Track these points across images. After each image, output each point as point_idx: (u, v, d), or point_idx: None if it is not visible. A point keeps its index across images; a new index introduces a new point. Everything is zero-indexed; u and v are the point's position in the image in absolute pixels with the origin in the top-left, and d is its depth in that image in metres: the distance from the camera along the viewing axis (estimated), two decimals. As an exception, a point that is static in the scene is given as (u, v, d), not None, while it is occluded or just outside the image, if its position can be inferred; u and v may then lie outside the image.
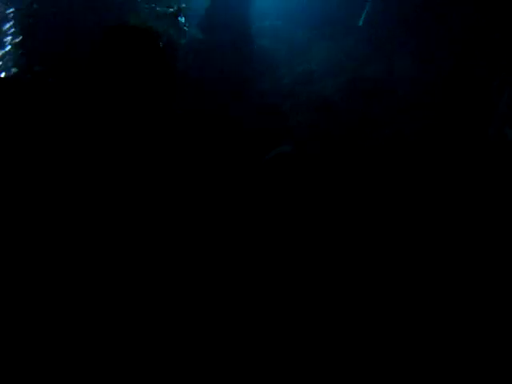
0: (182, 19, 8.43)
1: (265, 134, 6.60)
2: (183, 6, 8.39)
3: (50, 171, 4.33)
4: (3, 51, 8.13)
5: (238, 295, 3.79)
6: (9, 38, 8.24)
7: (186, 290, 3.84)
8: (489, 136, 4.97)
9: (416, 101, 6.71)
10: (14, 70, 7.91)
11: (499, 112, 4.73)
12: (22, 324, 3.46)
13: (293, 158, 5.08)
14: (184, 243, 4.24)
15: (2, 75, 7.81)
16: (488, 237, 4.15)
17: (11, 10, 8.31)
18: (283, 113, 7.55)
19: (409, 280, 3.98)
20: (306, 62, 8.29)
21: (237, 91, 7.93)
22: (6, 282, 3.68)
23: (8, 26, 8.27)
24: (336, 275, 3.99)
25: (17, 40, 8.09)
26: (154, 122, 5.04)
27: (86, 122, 4.68)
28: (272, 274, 4.04)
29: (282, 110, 7.63)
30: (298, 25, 8.94)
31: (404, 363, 3.48)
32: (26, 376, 3.24)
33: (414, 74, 7.17)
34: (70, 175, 4.34)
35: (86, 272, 3.87)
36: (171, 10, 8.41)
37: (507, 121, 4.56)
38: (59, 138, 4.50)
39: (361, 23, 7.79)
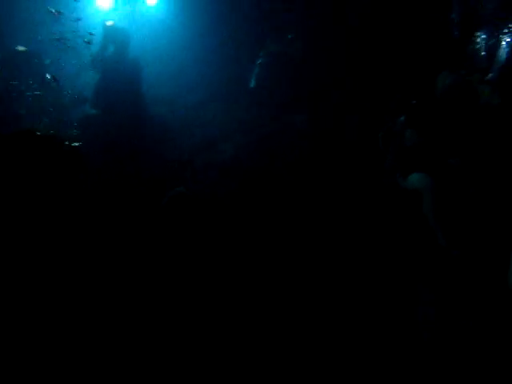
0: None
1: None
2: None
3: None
4: None
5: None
6: None
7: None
8: (383, 185, 5.21)
9: (308, 153, 6.99)
10: None
11: (390, 160, 4.99)
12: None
13: (187, 197, 5.26)
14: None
15: None
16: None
17: None
18: (184, 178, 7.47)
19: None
20: (205, 126, 8.34)
21: (135, 164, 7.81)
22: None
23: None
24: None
25: None
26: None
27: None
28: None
29: (184, 175, 7.53)
30: (194, 89, 9.00)
31: None
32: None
33: (304, 127, 7.45)
34: None
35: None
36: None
37: (397, 168, 4.83)
38: None
39: (252, 85, 8.08)
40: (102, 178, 6.93)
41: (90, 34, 9.04)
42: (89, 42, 9.08)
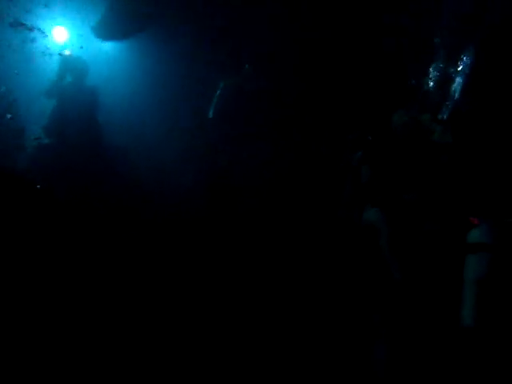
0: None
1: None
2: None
3: None
4: None
5: None
6: None
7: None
8: (338, 218, 5.33)
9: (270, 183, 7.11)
10: None
11: (347, 194, 5.12)
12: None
13: None
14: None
15: None
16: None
17: None
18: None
19: None
20: (163, 157, 8.33)
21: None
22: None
23: None
24: None
25: None
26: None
27: None
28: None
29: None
30: (154, 117, 9.01)
31: None
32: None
33: (266, 157, 7.54)
34: None
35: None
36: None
37: (354, 203, 4.96)
38: None
39: (211, 115, 8.09)
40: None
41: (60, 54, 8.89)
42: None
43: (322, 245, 5.48)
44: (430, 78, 5.81)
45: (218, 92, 8.18)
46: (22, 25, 8.57)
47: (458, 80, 5.65)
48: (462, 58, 5.70)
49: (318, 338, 4.37)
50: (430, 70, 5.82)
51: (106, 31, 8.92)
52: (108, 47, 9.37)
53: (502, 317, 3.34)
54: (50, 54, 9.05)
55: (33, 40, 8.85)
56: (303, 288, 5.06)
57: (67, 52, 8.79)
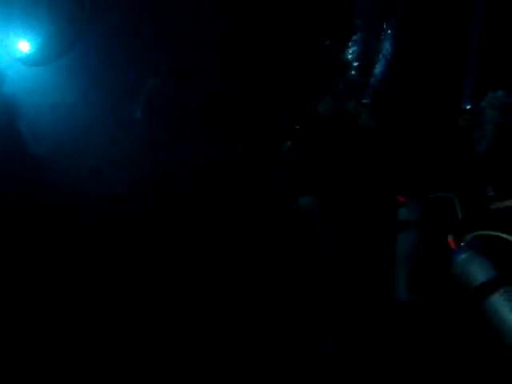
0: None
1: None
2: None
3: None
4: None
5: None
6: None
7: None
8: (275, 208, 5.44)
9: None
10: None
11: (280, 184, 5.24)
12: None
13: None
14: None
15: None
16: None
17: None
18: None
19: None
20: (89, 160, 7.96)
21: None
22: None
23: None
24: None
25: None
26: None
27: None
28: None
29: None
30: (78, 123, 8.84)
31: None
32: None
33: (200, 158, 7.38)
34: None
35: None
36: None
37: (287, 192, 5.07)
38: None
39: (139, 115, 7.90)
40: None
41: None
42: None
43: (263, 236, 5.49)
44: (353, 64, 5.93)
45: (145, 91, 8.00)
46: None
47: (379, 64, 5.82)
48: (382, 42, 5.87)
49: (263, 332, 4.37)
50: (352, 54, 5.94)
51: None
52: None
53: (433, 289, 3.47)
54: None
55: None
56: (246, 282, 5.04)
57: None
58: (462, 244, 2.82)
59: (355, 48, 5.91)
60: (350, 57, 5.94)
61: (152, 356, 3.90)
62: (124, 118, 8.19)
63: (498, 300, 2.44)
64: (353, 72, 5.94)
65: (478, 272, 2.57)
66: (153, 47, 8.03)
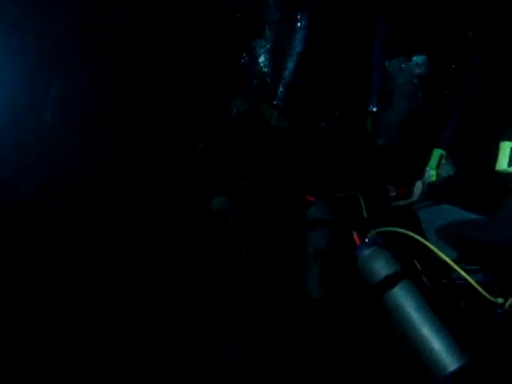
0: None
1: None
2: None
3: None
4: None
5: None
6: None
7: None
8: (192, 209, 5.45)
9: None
10: None
11: (194, 185, 5.25)
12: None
13: None
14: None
15: None
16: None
17: None
18: None
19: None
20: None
21: None
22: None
23: None
24: None
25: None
26: None
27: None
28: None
29: None
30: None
31: None
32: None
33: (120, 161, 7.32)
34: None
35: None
36: None
37: (201, 193, 5.08)
38: None
39: (49, 117, 6.90)
40: None
41: None
42: None
43: (176, 234, 5.40)
44: (264, 64, 5.98)
45: (54, 93, 7.52)
46: None
47: (290, 64, 5.93)
48: (291, 42, 5.98)
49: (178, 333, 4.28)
50: (263, 56, 5.98)
51: None
52: None
53: (343, 286, 3.57)
54: None
55: None
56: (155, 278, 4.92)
57: None
58: (366, 240, 2.95)
59: (267, 46, 5.95)
60: (261, 55, 5.97)
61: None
62: (31, 121, 7.70)
63: (398, 292, 2.57)
64: (265, 70, 5.99)
65: (380, 266, 2.70)
66: (60, 45, 7.64)
